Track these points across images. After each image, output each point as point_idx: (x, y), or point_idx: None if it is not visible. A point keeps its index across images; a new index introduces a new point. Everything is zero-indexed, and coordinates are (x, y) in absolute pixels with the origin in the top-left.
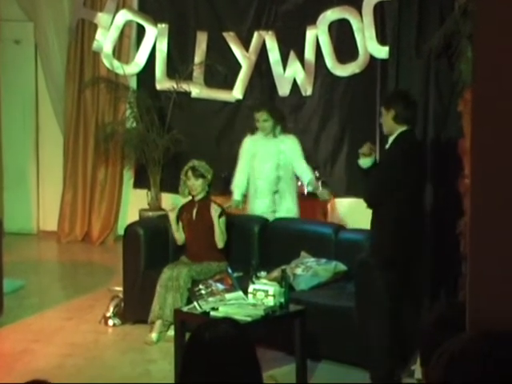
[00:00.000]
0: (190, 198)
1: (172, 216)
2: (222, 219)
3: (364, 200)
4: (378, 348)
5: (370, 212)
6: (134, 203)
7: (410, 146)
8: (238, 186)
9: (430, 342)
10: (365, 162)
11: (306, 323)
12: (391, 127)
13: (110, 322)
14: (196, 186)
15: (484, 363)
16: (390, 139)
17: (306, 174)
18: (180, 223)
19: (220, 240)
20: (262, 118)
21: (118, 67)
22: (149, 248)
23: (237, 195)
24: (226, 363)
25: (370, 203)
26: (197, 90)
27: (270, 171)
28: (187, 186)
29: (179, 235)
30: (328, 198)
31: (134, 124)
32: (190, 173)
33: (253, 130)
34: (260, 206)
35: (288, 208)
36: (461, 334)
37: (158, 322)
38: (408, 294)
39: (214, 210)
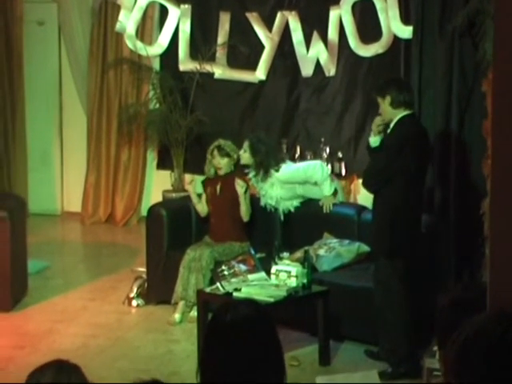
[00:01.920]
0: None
1: (191, 188)
2: (247, 194)
3: (363, 185)
4: (395, 334)
5: None
6: (158, 184)
7: (409, 131)
8: None
9: (446, 325)
10: (375, 141)
11: (329, 304)
12: (390, 114)
13: (134, 303)
14: (222, 164)
15: (498, 344)
16: (391, 125)
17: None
18: (203, 197)
19: (246, 214)
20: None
21: (141, 48)
22: (172, 229)
23: None
24: (248, 345)
25: (368, 189)
26: (220, 71)
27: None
28: (213, 165)
29: (201, 207)
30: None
31: (157, 105)
32: (215, 151)
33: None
34: None
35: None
36: (476, 316)
37: (181, 303)
38: (421, 279)
39: (240, 186)
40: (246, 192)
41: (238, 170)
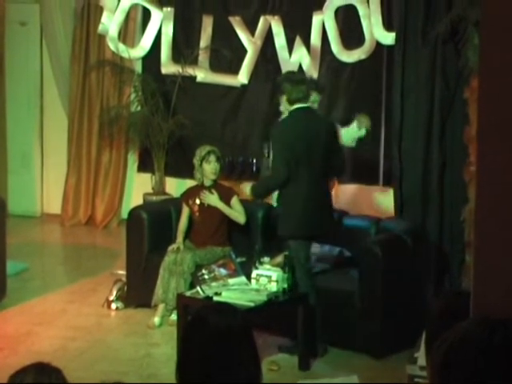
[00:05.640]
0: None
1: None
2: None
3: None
4: None
5: (375, 198)
6: (138, 187)
7: (294, 121)
8: None
9: (436, 332)
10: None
11: (310, 309)
12: (287, 109)
13: (113, 306)
14: (217, 169)
15: (483, 350)
16: None
17: None
18: (186, 213)
19: (242, 218)
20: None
21: (124, 50)
22: (152, 232)
23: None
24: (224, 349)
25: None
26: (202, 75)
27: None
28: (203, 171)
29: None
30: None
31: (139, 108)
32: (212, 156)
33: None
34: None
35: None
36: (461, 322)
37: (161, 306)
38: None
39: (237, 201)
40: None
41: (220, 178)
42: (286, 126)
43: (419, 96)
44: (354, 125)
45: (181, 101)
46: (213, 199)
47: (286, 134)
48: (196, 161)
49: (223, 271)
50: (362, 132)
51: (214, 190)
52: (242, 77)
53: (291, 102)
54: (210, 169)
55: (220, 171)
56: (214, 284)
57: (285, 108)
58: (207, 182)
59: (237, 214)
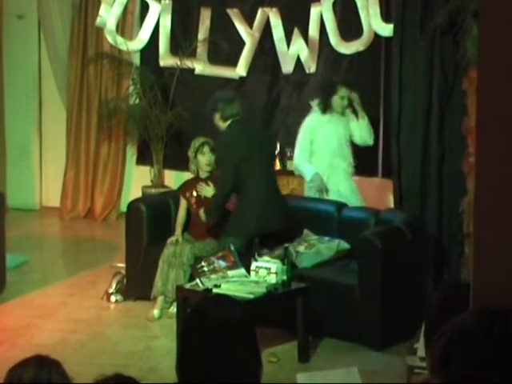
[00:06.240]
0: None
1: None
2: None
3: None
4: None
5: (376, 190)
6: (137, 180)
7: (236, 133)
8: None
9: (435, 323)
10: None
11: (309, 301)
12: (221, 126)
13: (113, 298)
14: (212, 160)
15: (483, 341)
16: None
17: None
18: (183, 206)
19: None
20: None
21: (122, 43)
22: (151, 224)
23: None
24: (224, 342)
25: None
26: (200, 67)
27: None
28: (198, 163)
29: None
30: None
31: (137, 100)
32: (206, 148)
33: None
34: None
35: None
36: (460, 314)
37: (160, 298)
38: None
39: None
40: None
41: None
42: (230, 138)
43: (417, 87)
44: (360, 118)
45: (179, 93)
46: (209, 191)
47: (232, 145)
48: (190, 153)
49: (222, 263)
50: (365, 119)
51: (210, 182)
52: (241, 69)
53: (226, 118)
54: (204, 160)
55: (215, 162)
56: (213, 276)
57: (218, 124)
58: (203, 174)
59: (234, 205)
